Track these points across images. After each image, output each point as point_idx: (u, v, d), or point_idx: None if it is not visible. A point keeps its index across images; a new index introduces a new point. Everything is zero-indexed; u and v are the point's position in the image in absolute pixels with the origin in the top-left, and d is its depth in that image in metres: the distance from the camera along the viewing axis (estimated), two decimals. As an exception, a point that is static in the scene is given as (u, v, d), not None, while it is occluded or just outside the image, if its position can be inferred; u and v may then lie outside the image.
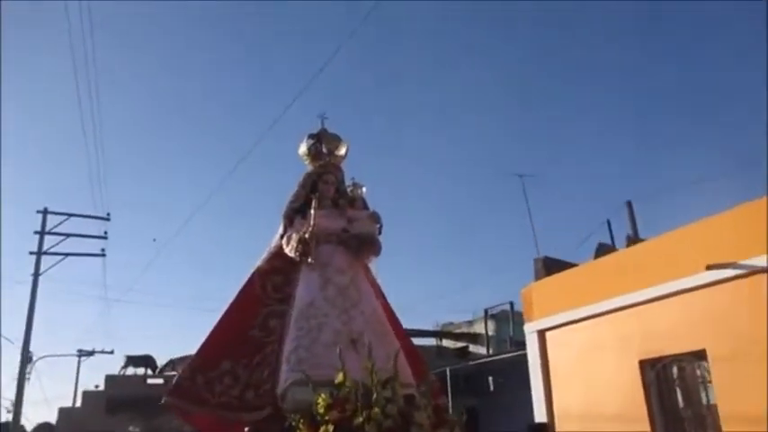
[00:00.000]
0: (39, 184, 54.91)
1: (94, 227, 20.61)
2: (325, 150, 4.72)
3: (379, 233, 4.56)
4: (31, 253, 19.68)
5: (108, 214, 20.67)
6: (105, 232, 20.70)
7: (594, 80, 50.82)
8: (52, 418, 26.19)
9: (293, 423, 3.23)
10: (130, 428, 24.25)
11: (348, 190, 4.75)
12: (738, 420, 7.57)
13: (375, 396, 3.20)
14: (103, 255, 21.01)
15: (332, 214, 4.54)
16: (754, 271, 7.54)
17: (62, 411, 24.82)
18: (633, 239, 12.94)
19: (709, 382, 8.18)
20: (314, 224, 4.29)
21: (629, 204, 14.28)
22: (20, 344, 18.87)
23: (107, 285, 59.39)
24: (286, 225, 4.53)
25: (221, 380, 4.08)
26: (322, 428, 3.10)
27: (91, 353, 29.98)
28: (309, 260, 4.26)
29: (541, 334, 10.81)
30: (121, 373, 26.34)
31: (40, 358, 27.63)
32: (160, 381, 26.18)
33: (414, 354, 4.45)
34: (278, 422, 3.48)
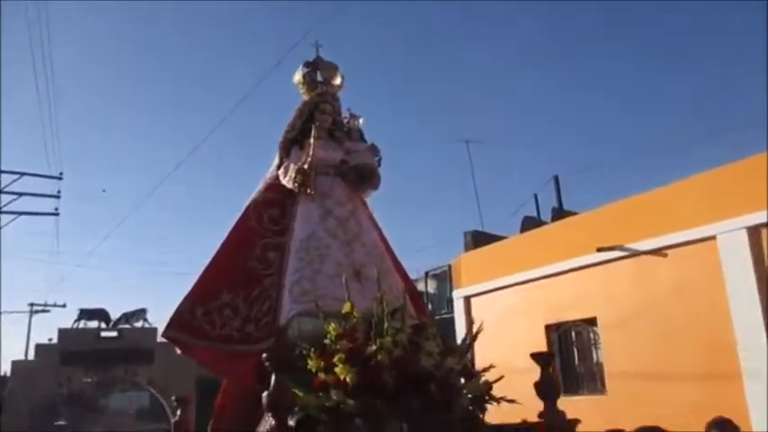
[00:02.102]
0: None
1: (48, 186, 20.86)
2: (320, 79, 4.54)
3: (378, 166, 4.43)
4: (-17, 212, 19.87)
5: (61, 173, 20.85)
6: (59, 191, 20.94)
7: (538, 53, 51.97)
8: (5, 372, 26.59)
9: (303, 352, 3.19)
10: (85, 380, 24.91)
11: (345, 121, 4.57)
12: (619, 376, 9.08)
13: (385, 326, 3.17)
14: (57, 214, 21.31)
15: (329, 145, 4.39)
16: (636, 253, 8.94)
17: (15, 364, 25.01)
18: (558, 212, 14.24)
19: (599, 344, 9.67)
20: (313, 154, 4.15)
21: (556, 179, 15.47)
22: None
23: (60, 244, 58.58)
24: (282, 156, 4.37)
25: (221, 312, 3.96)
26: (336, 357, 3.09)
27: (43, 306, 30.30)
28: (309, 191, 4.16)
29: (467, 299, 12.14)
30: (75, 326, 26.75)
31: (-5, 314, 27.86)
32: (114, 334, 26.75)
33: (411, 289, 4.41)
34: (280, 354, 3.36)
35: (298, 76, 4.58)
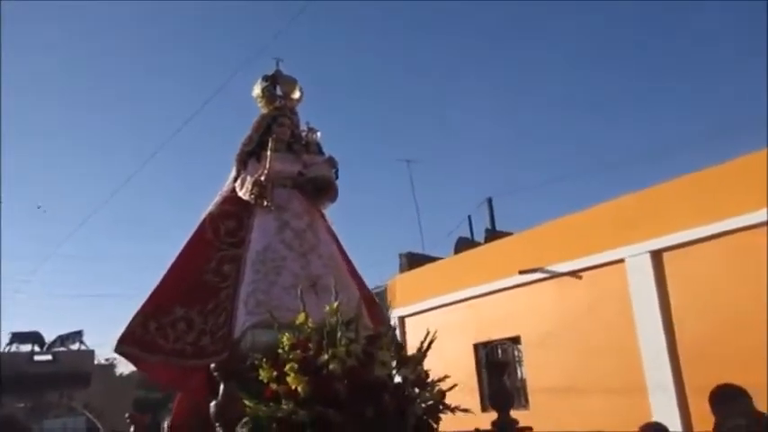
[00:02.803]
0: None
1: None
2: (279, 93, 4.59)
3: (336, 178, 4.47)
4: None
5: (-4, 195, 20.57)
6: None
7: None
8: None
9: (256, 362, 3.17)
10: (17, 405, 24.16)
11: (303, 134, 4.59)
12: (540, 391, 9.63)
13: (339, 335, 3.18)
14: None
15: (287, 158, 4.42)
16: (556, 275, 9.54)
17: (-60, 391, 24.22)
18: (491, 233, 14.83)
19: (523, 361, 10.21)
20: (270, 166, 4.19)
21: (490, 201, 16.12)
22: None
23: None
24: (239, 168, 4.38)
25: (175, 326, 3.92)
26: (287, 367, 3.07)
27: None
28: (266, 203, 4.15)
29: (402, 319, 12.56)
30: (6, 350, 25.97)
31: None
32: (48, 357, 26.08)
33: (370, 300, 4.44)
34: (232, 366, 3.40)
35: (257, 90, 4.60)
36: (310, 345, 3.18)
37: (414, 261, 13.55)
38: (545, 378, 9.54)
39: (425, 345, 3.53)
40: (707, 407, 7.91)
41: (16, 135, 55.43)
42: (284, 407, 3.02)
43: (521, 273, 9.75)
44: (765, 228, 7.33)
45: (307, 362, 3.10)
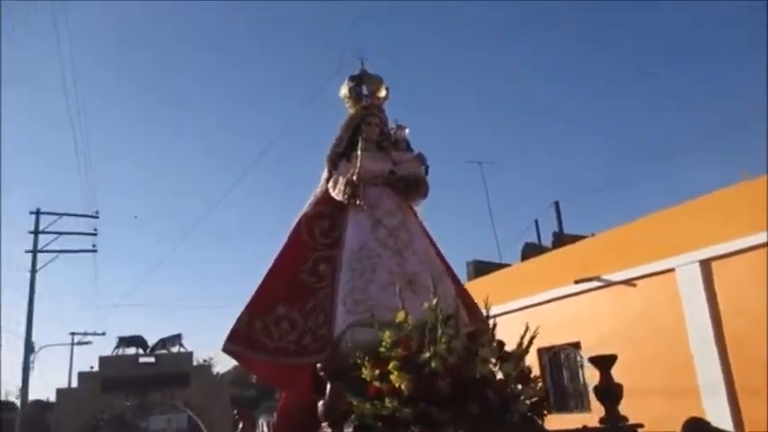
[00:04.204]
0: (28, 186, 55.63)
1: (85, 226, 22.36)
2: (366, 92, 4.63)
3: (426, 174, 4.46)
4: (27, 251, 20.47)
5: (97, 212, 22.34)
6: (95, 229, 22.38)
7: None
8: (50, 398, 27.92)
9: (358, 361, 3.21)
10: (126, 404, 26.22)
11: (391, 132, 4.63)
12: (600, 394, 10.09)
13: (439, 332, 3.18)
14: (94, 250, 22.81)
15: (377, 156, 4.44)
16: (611, 283, 10.02)
17: (60, 392, 26.03)
18: (559, 236, 15.28)
19: (585, 366, 10.71)
20: (360, 166, 4.22)
21: (557, 204, 16.50)
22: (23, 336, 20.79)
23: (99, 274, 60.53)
24: (330, 169, 4.44)
25: (278, 325, 4.00)
26: (390, 365, 3.09)
27: (83, 334, 31.88)
28: (359, 202, 4.18)
29: (471, 325, 13.25)
30: (114, 353, 28.02)
31: (42, 348, 29.43)
32: (151, 359, 28.02)
33: (466, 295, 4.40)
34: (336, 365, 3.43)
35: (344, 91, 4.67)
36: (411, 343, 3.23)
37: (480, 268, 14.23)
38: (603, 381, 10.01)
39: (526, 341, 3.51)
40: (757, 408, 8.34)
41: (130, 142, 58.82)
42: (388, 405, 3.08)
43: (576, 282, 10.27)
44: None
45: (409, 360, 3.15)
